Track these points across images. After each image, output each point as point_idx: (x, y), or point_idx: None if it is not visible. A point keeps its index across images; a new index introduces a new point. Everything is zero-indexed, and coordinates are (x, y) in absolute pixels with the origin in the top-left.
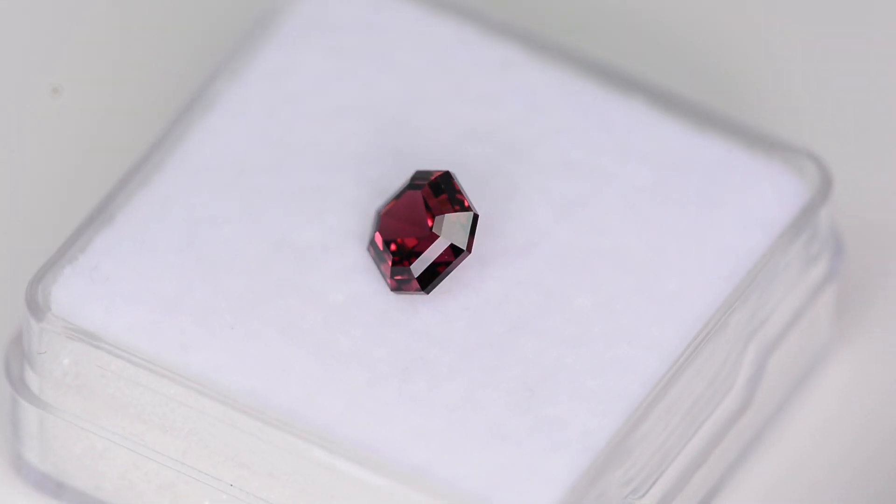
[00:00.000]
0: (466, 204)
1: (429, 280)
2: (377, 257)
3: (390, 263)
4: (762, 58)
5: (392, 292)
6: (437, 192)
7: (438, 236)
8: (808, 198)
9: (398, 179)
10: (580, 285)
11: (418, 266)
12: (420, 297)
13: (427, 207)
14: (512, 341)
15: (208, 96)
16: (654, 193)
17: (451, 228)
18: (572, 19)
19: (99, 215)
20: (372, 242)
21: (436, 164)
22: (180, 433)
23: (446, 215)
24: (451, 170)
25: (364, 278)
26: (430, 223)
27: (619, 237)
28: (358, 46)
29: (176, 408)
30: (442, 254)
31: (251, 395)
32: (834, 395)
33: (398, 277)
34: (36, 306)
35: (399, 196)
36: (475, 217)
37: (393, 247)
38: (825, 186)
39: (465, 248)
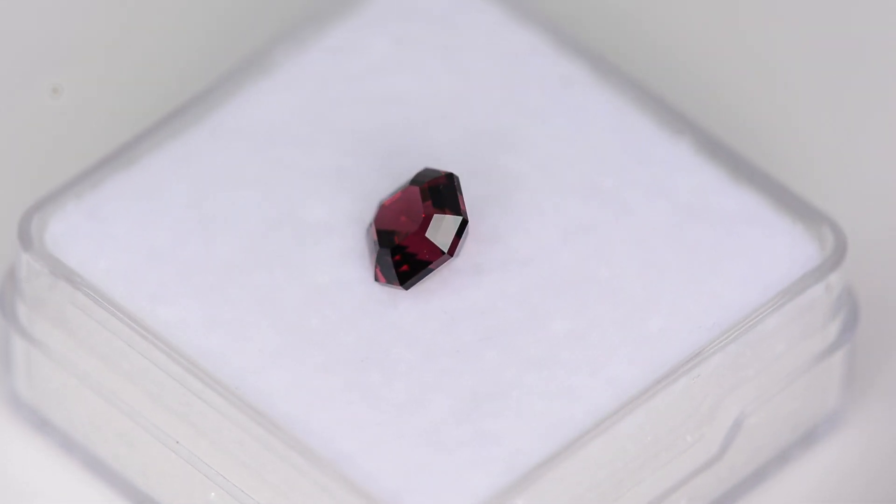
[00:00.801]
0: (462, 209)
1: (408, 276)
2: (370, 246)
3: (377, 254)
4: (791, 113)
5: (376, 282)
6: (436, 192)
7: (424, 235)
8: (819, 261)
9: None
10: (564, 309)
11: (401, 261)
12: (402, 293)
13: (423, 205)
14: (476, 352)
15: (265, 62)
16: (667, 234)
17: (437, 229)
18: (640, 50)
19: (117, 157)
20: (367, 231)
21: (461, 167)
22: (139, 383)
23: (435, 215)
24: (470, 174)
25: (355, 265)
26: (421, 221)
27: (619, 269)
28: (426, 41)
29: (136, 358)
30: (424, 252)
31: (205, 356)
32: (842, 459)
33: (380, 268)
34: (27, 236)
35: (402, 189)
36: (464, 222)
37: (384, 238)
38: (839, 251)
39: (446, 251)
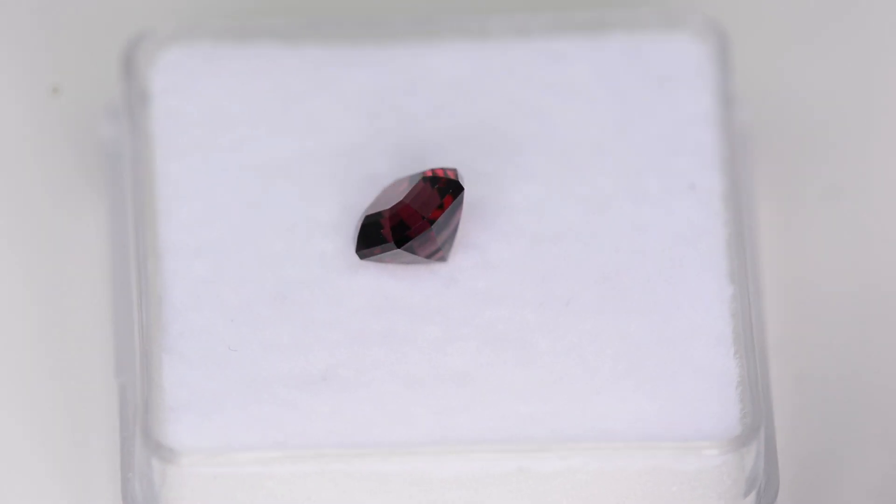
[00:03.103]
0: (431, 216)
1: (364, 245)
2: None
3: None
4: None
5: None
6: (428, 190)
7: (387, 215)
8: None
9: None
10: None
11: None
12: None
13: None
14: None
15: None
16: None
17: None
18: None
19: None
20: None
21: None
22: None
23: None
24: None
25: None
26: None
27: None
28: None
29: None
30: (386, 230)
31: None
32: None
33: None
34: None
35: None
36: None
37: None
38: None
39: (391, 240)
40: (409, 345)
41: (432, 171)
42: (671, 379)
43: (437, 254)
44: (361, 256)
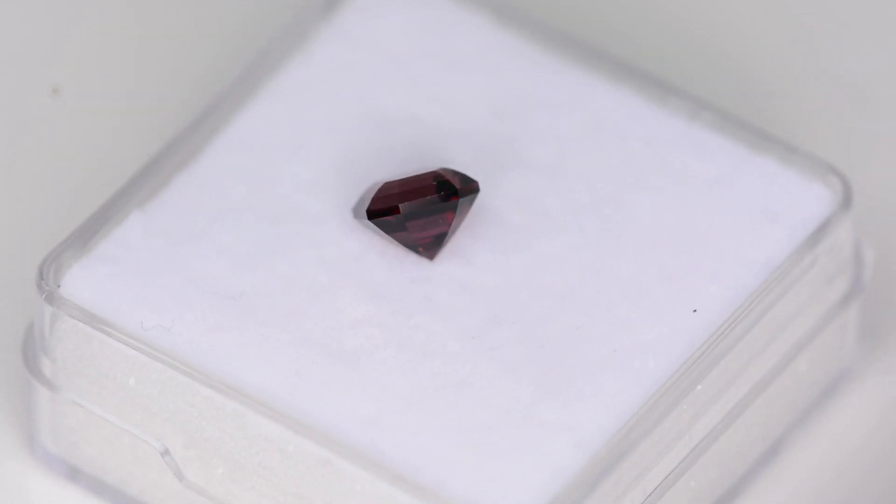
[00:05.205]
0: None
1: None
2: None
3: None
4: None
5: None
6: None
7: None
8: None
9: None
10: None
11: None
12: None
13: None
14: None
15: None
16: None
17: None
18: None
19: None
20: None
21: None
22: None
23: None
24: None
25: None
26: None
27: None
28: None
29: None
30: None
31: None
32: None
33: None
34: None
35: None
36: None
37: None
38: (846, 201)
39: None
40: (333, 314)
41: (455, 172)
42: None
43: (428, 244)
44: (369, 216)
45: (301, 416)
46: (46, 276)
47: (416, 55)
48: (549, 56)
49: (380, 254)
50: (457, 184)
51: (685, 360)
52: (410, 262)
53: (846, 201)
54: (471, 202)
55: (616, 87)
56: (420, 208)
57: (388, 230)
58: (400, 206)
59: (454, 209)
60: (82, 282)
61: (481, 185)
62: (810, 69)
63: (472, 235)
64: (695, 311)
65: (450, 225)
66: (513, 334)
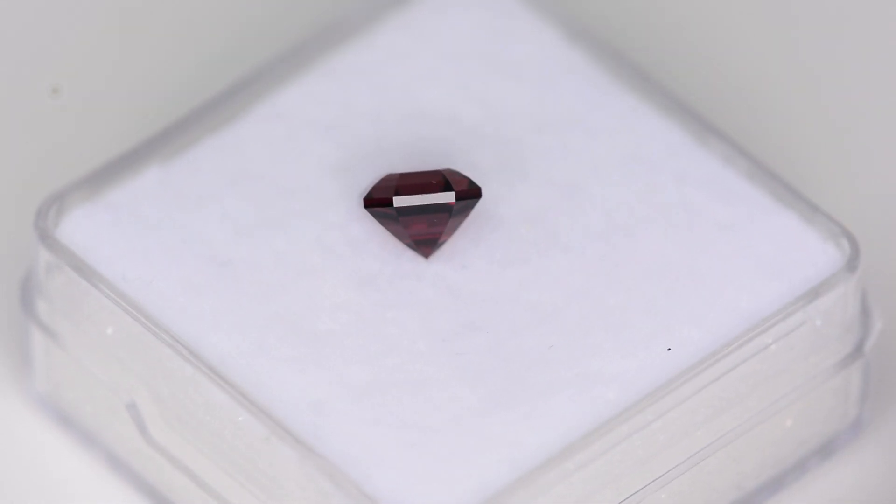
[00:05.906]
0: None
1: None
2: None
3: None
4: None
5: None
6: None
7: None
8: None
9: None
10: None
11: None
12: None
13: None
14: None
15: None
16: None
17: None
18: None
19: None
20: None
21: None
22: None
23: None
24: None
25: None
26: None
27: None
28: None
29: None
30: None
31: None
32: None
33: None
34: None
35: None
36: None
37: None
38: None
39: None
40: (313, 295)
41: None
42: None
43: (420, 241)
44: (366, 204)
45: (251, 389)
46: (45, 216)
47: (473, 56)
48: (606, 77)
49: (380, 245)
50: (458, 186)
51: (645, 396)
52: (406, 257)
53: (851, 263)
54: (470, 207)
55: (661, 118)
56: (415, 204)
57: (383, 221)
58: (394, 198)
59: (450, 211)
60: (81, 226)
61: (498, 195)
62: (852, 132)
63: (475, 241)
64: (669, 349)
65: (444, 226)
66: (482, 343)
